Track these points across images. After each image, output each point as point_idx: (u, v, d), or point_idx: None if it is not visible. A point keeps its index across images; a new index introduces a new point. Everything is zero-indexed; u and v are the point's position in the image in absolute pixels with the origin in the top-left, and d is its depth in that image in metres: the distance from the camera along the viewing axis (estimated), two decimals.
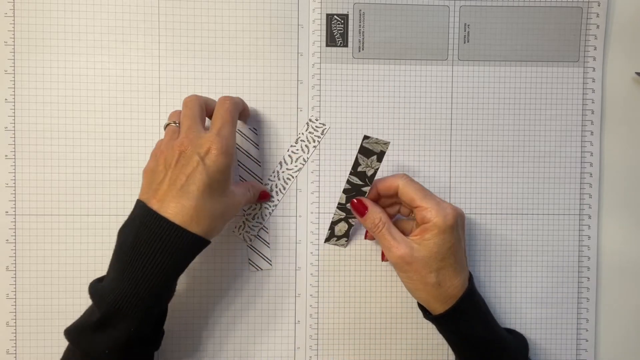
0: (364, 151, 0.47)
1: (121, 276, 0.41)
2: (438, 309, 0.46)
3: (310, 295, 0.53)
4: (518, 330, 0.53)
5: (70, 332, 0.42)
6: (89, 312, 0.43)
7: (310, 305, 0.53)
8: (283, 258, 0.53)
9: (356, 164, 0.47)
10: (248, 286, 0.52)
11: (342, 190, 0.48)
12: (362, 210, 0.47)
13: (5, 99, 0.51)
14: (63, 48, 0.51)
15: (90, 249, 0.51)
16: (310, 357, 0.53)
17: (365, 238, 0.52)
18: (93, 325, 0.41)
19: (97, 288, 0.42)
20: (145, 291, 0.40)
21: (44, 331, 0.51)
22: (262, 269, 0.52)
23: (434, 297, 0.45)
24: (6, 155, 0.51)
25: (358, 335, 0.53)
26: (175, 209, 0.41)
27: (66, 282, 0.51)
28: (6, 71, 0.51)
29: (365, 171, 0.47)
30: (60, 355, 0.43)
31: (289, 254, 0.53)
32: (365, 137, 0.46)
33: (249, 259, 0.52)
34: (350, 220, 0.50)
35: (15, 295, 0.51)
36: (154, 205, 0.41)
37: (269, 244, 0.52)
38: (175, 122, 0.46)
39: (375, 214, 0.47)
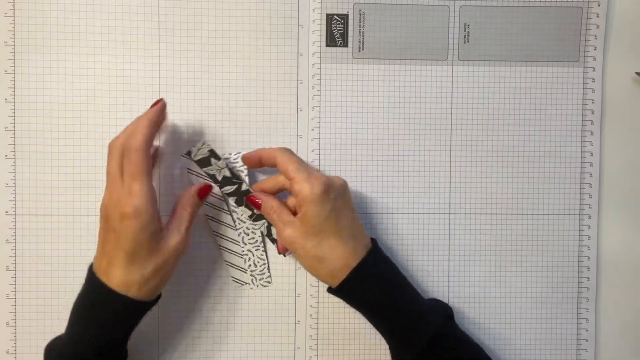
0: (202, 162, 0.49)
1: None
2: (332, 283, 0.45)
3: (310, 295, 0.53)
4: (518, 330, 0.53)
5: None
6: None
7: (310, 305, 0.53)
8: (283, 258, 0.52)
9: (212, 177, 0.49)
10: (248, 286, 0.52)
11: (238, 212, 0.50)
12: (258, 205, 0.48)
13: (5, 99, 0.51)
14: (63, 48, 0.51)
15: (90, 249, 0.51)
16: (310, 357, 0.53)
17: (279, 252, 0.51)
18: None
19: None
20: (86, 350, 0.42)
21: (44, 331, 0.51)
22: (245, 283, 0.52)
23: (323, 272, 0.45)
24: (6, 155, 0.51)
25: (358, 335, 0.53)
26: (106, 274, 0.42)
27: (66, 282, 0.51)
28: (6, 71, 0.51)
29: (224, 175, 0.49)
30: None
31: (289, 254, 0.53)
32: (187, 154, 0.49)
33: (231, 276, 0.52)
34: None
35: (15, 295, 0.51)
36: (94, 266, 0.44)
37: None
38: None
39: (267, 202, 0.47)
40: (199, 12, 0.51)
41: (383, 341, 0.53)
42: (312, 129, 0.52)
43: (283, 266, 0.52)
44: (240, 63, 0.52)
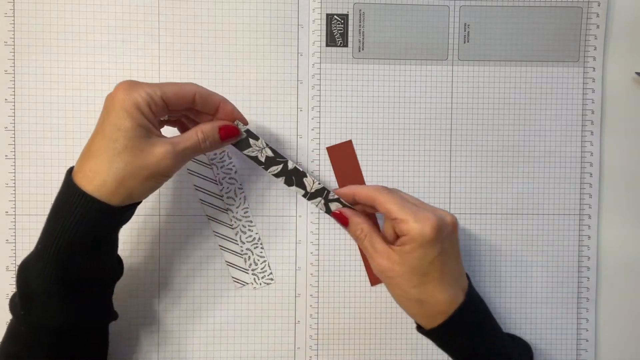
0: (241, 145, 0.46)
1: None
2: (425, 324, 0.44)
3: (310, 295, 0.53)
4: (518, 330, 0.53)
5: (9, 300, 0.43)
6: None
7: (310, 305, 0.53)
8: (283, 258, 0.53)
9: (255, 160, 0.47)
10: (248, 286, 0.52)
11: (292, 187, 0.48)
12: (344, 221, 0.46)
13: (5, 99, 0.51)
14: (63, 48, 0.51)
15: None
16: (310, 357, 0.53)
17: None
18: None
19: None
20: (49, 249, 0.39)
21: None
22: (246, 283, 0.52)
23: (418, 313, 0.43)
24: (6, 155, 0.51)
25: (358, 335, 0.53)
26: (75, 168, 0.40)
27: None
28: (6, 71, 0.51)
29: (267, 155, 0.47)
30: None
31: (289, 254, 0.53)
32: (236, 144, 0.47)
33: (232, 277, 0.52)
34: (329, 196, 0.48)
35: None
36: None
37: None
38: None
39: (356, 225, 0.45)
40: (199, 12, 0.51)
41: (382, 342, 0.53)
42: (312, 129, 0.52)
43: (283, 266, 0.52)
44: (240, 63, 0.52)
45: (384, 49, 0.52)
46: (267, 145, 0.47)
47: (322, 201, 0.48)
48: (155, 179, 0.40)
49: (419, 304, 0.42)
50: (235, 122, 0.45)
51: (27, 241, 0.51)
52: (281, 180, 0.48)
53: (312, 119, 0.52)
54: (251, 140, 0.46)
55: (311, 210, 0.52)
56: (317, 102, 0.52)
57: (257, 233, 0.52)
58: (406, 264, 0.42)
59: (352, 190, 0.46)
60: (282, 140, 0.52)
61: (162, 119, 0.43)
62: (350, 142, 0.52)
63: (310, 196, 0.48)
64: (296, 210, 0.52)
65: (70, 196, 0.39)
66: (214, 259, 0.52)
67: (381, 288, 0.53)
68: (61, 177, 0.51)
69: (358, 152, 0.53)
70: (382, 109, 0.53)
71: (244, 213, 0.52)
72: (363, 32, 0.52)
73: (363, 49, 0.52)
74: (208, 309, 0.52)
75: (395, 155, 0.53)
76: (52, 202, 0.41)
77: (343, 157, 0.52)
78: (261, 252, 0.52)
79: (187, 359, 0.52)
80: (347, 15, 0.52)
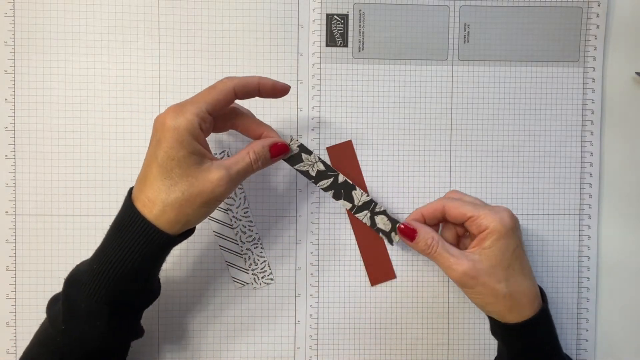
0: (292, 160, 0.47)
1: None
2: (513, 319, 0.43)
3: (310, 295, 0.53)
4: None
5: (48, 304, 0.43)
6: None
7: (310, 305, 0.53)
8: (283, 258, 0.53)
9: (306, 174, 0.48)
10: (248, 286, 0.52)
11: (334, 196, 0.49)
12: (411, 235, 0.45)
13: (5, 99, 0.51)
14: (63, 48, 0.51)
15: (90, 249, 0.51)
16: (310, 357, 0.53)
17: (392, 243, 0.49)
18: (60, 295, 0.42)
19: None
20: (106, 273, 0.39)
21: None
22: (246, 283, 0.52)
23: (507, 308, 0.43)
24: (6, 155, 0.51)
25: (358, 335, 0.53)
26: (134, 193, 0.40)
27: None
28: (6, 71, 0.51)
29: (318, 169, 0.48)
30: None
31: (289, 254, 0.53)
32: (288, 159, 0.47)
33: (232, 276, 0.52)
34: (375, 209, 0.49)
35: (15, 295, 0.51)
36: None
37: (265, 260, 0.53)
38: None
39: (427, 234, 0.44)
40: (199, 12, 0.51)
41: (382, 342, 0.53)
42: (312, 129, 0.52)
43: (283, 266, 0.53)
44: (240, 63, 0.52)
45: (384, 49, 0.52)
46: (319, 159, 0.47)
47: (368, 214, 0.49)
48: (209, 204, 0.40)
49: (508, 298, 0.42)
50: (290, 137, 0.46)
51: (27, 241, 0.51)
52: (330, 194, 0.49)
53: (312, 119, 0.52)
54: (304, 155, 0.47)
55: (311, 210, 0.52)
56: (317, 102, 0.52)
57: (257, 233, 0.52)
58: (489, 259, 0.42)
59: (418, 211, 0.46)
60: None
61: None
62: (350, 142, 0.52)
63: (357, 210, 0.49)
64: (296, 210, 0.52)
65: (133, 223, 0.39)
66: (214, 259, 0.52)
67: (381, 288, 0.53)
68: (61, 177, 0.51)
69: (358, 152, 0.53)
70: (382, 109, 0.53)
71: (244, 213, 0.52)
72: (363, 32, 0.52)
73: (363, 49, 0.52)
74: (208, 309, 0.52)
75: (395, 155, 0.53)
76: (113, 220, 0.41)
77: (343, 157, 0.52)
78: (261, 252, 0.52)
79: (188, 359, 0.52)
80: (347, 15, 0.52)
